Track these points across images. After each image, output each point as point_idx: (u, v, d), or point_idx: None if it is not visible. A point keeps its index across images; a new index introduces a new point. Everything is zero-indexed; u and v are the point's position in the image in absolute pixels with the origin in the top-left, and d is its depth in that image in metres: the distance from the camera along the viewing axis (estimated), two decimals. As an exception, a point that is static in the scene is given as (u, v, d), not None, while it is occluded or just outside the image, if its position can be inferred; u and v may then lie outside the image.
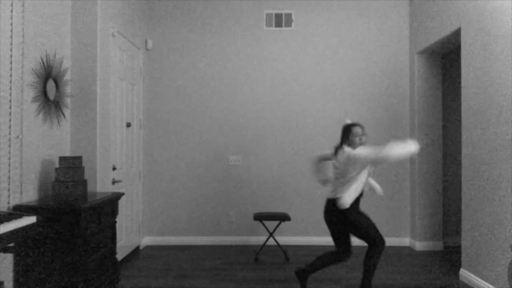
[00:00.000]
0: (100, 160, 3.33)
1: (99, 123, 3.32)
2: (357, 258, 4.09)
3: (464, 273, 3.44)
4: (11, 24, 2.47)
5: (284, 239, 4.66)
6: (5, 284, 2.40)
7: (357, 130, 2.95)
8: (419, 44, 4.40)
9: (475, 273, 3.31)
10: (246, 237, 4.71)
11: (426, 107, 4.50)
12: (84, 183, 2.86)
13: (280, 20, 4.74)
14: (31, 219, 1.98)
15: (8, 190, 2.43)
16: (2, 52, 2.39)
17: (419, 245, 4.46)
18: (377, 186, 3.10)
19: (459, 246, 4.60)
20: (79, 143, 3.24)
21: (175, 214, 4.72)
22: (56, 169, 2.74)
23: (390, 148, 2.64)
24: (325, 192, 4.70)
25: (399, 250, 4.45)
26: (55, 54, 3.00)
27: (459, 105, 4.75)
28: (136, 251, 4.34)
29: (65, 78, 3.14)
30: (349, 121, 3.14)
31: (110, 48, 3.57)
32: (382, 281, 3.44)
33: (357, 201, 2.90)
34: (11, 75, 2.47)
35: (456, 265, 3.89)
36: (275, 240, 4.23)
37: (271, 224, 4.64)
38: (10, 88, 2.46)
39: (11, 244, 2.29)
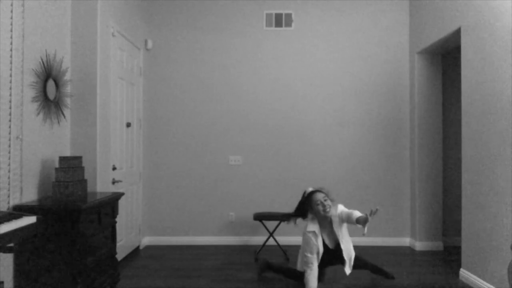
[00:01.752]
0: (100, 160, 3.33)
1: (99, 123, 3.32)
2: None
3: (464, 273, 3.44)
4: (11, 24, 2.47)
5: (284, 239, 4.66)
6: (5, 284, 2.39)
7: (317, 197, 2.94)
8: (419, 44, 4.40)
9: (475, 273, 3.31)
10: (246, 237, 4.71)
11: (426, 107, 4.50)
12: (84, 183, 2.87)
13: (280, 20, 4.74)
14: (31, 219, 1.98)
15: (8, 190, 2.43)
16: (2, 52, 2.39)
17: (419, 245, 4.46)
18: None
19: (459, 246, 4.59)
20: (79, 143, 3.24)
21: (175, 214, 4.72)
22: (56, 169, 2.74)
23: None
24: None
25: (399, 250, 4.45)
26: (55, 54, 3.00)
27: (459, 105, 4.75)
28: (136, 251, 4.34)
29: (65, 78, 3.14)
30: (310, 189, 3.10)
31: (110, 48, 3.57)
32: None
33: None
34: (11, 75, 2.47)
35: (456, 265, 3.89)
36: (275, 240, 4.22)
37: (271, 224, 4.64)
38: (10, 88, 2.46)
39: (11, 244, 2.29)
